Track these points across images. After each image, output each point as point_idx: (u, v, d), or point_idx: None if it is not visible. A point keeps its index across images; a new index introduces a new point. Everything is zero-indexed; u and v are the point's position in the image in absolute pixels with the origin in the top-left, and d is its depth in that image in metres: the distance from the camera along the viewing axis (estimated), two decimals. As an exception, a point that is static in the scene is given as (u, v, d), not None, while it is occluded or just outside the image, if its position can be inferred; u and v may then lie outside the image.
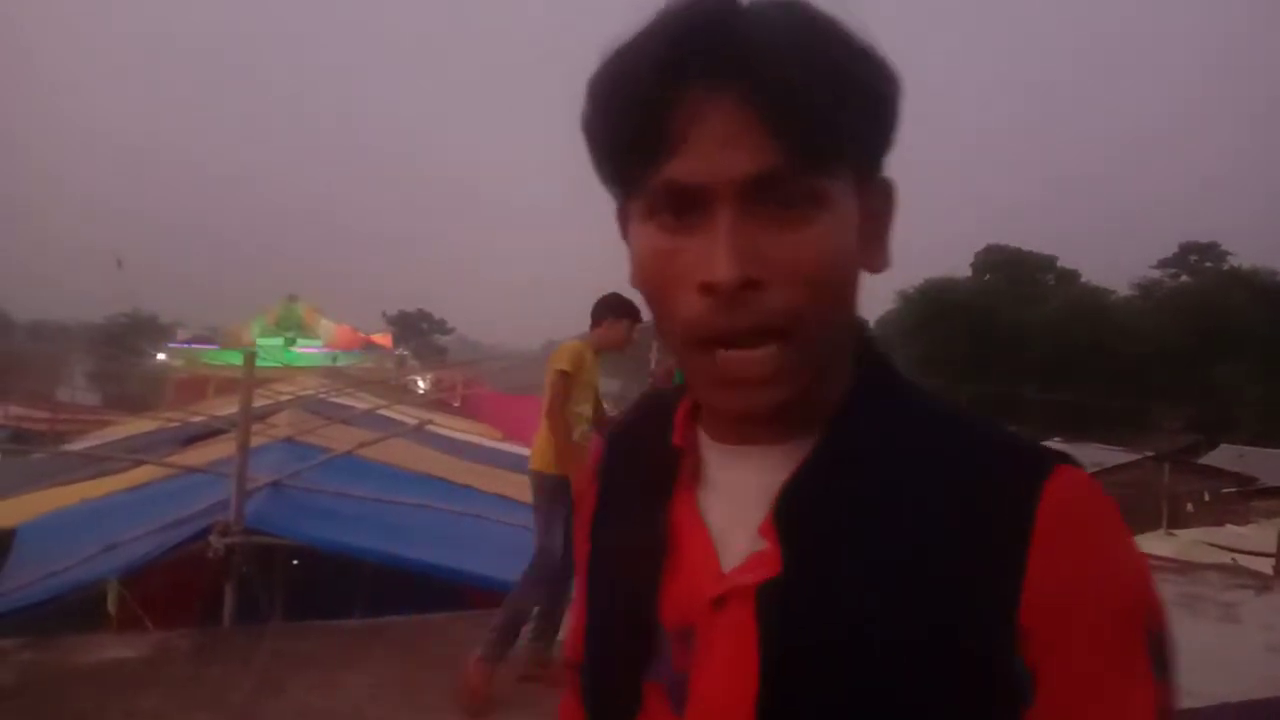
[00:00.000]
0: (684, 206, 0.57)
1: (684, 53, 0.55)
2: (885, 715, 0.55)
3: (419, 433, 9.16)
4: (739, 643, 0.59)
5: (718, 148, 0.55)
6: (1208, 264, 44.79)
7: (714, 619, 0.61)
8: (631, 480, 0.73)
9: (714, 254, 0.55)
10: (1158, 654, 0.55)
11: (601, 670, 0.71)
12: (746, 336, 0.56)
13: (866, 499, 0.58)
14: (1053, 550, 0.54)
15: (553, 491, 4.10)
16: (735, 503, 0.64)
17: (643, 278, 0.61)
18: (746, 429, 0.64)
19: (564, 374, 4.05)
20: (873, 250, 0.63)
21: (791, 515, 0.60)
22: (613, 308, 4.26)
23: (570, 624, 0.83)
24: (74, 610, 5.00)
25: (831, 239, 0.57)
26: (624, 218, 0.65)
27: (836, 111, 0.55)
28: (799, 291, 0.56)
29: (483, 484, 8.40)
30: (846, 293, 0.60)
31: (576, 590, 0.81)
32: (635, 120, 0.56)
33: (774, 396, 0.58)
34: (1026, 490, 0.55)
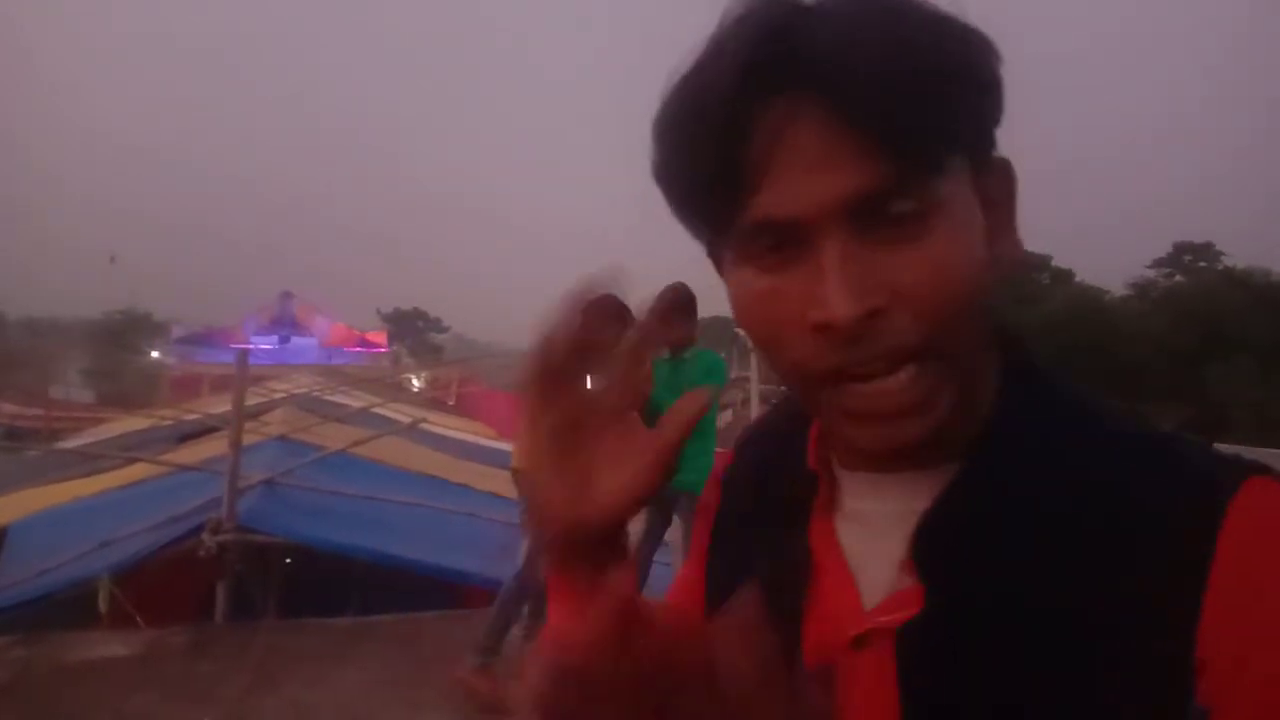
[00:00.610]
0: (781, 241, 0.50)
1: (753, 70, 0.48)
2: None
3: (413, 431, 9.15)
4: (880, 688, 0.54)
5: (809, 171, 0.48)
6: (1202, 264, 44.84)
7: (854, 660, 0.56)
8: (762, 499, 0.67)
9: (826, 290, 0.48)
10: None
11: None
12: (876, 365, 0.50)
13: (1017, 530, 0.52)
14: (1238, 573, 0.46)
15: None
16: (874, 534, 0.58)
17: (746, 324, 0.55)
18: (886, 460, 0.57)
19: None
20: (1001, 240, 0.55)
21: (934, 548, 0.54)
22: None
23: None
24: (66, 608, 4.98)
25: (954, 247, 0.50)
26: (716, 258, 0.60)
27: (938, 103, 0.48)
28: (927, 311, 0.49)
29: (477, 482, 8.38)
30: (979, 300, 0.52)
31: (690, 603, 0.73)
32: (711, 157, 0.50)
33: (918, 428, 0.51)
34: (1208, 510, 0.48)
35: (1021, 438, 0.54)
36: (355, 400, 12.96)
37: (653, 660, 0.55)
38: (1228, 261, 43.25)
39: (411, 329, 72.88)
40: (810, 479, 0.63)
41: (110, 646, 4.51)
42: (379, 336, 54.24)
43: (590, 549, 0.55)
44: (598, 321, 0.60)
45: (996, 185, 0.55)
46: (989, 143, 0.54)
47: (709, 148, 0.50)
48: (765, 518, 0.66)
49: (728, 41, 0.50)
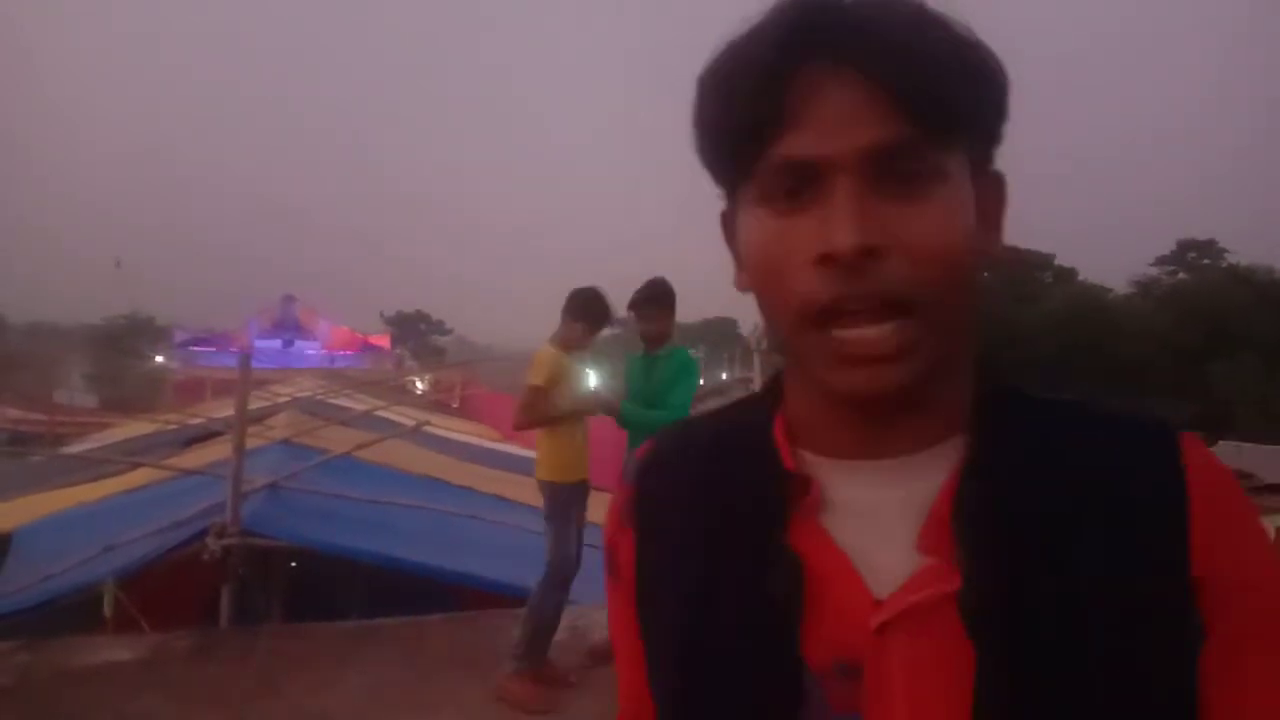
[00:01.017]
0: (799, 185, 0.56)
1: (799, 34, 0.55)
2: (1100, 706, 0.54)
3: (417, 434, 9.14)
4: (949, 657, 0.55)
5: (838, 122, 0.54)
6: (1206, 261, 44.67)
7: (884, 647, 0.57)
8: (711, 517, 0.66)
9: (833, 223, 0.53)
10: None
11: None
12: (866, 310, 0.54)
13: (1036, 496, 0.58)
14: (1209, 504, 0.57)
15: (566, 500, 4.06)
16: (871, 522, 0.60)
17: (753, 265, 0.59)
18: (873, 440, 0.61)
19: (536, 389, 3.99)
20: (988, 236, 0.61)
21: (971, 521, 0.57)
22: (572, 307, 4.15)
23: (624, 685, 0.75)
24: (71, 612, 4.99)
25: (952, 213, 0.56)
26: (729, 218, 0.64)
27: (957, 84, 0.54)
28: (921, 264, 0.54)
29: (481, 485, 8.39)
30: (968, 272, 0.57)
31: (632, 652, 0.72)
32: (750, 100, 0.55)
33: (898, 374, 0.55)
34: (1171, 456, 0.58)
35: (1017, 418, 0.61)
36: (358, 403, 12.96)
37: None
38: (1231, 259, 43.07)
39: (414, 332, 72.86)
40: (785, 481, 0.62)
41: (114, 651, 4.51)
42: (382, 340, 54.24)
43: None
44: None
45: (989, 192, 0.62)
46: (989, 152, 0.61)
47: (751, 92, 0.56)
48: (725, 538, 0.64)
49: (775, 15, 0.57)
